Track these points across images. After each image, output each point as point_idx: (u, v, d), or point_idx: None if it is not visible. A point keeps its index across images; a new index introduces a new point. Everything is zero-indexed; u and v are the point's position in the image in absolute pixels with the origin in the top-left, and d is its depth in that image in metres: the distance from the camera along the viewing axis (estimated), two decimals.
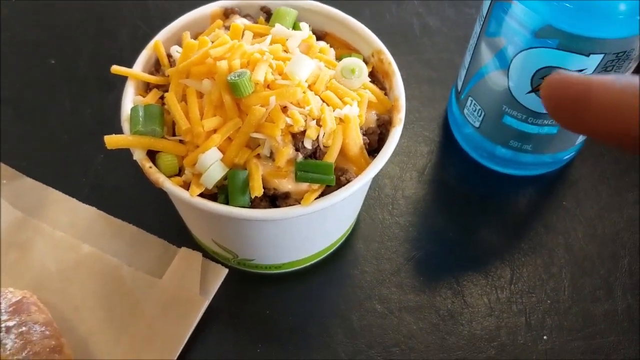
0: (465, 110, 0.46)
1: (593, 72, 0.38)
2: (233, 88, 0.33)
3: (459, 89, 0.47)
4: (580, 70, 0.37)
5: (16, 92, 0.52)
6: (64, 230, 0.44)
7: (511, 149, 0.45)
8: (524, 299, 0.43)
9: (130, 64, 0.39)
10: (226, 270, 0.42)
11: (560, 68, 0.38)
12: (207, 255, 0.42)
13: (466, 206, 0.47)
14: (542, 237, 0.46)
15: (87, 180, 0.47)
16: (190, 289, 0.41)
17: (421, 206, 0.47)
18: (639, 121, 0.14)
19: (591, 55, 0.36)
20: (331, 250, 0.44)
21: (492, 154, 0.47)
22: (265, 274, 0.43)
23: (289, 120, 0.33)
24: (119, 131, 0.35)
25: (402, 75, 0.38)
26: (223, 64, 0.34)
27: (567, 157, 0.48)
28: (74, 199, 0.45)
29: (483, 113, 0.44)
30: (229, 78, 0.33)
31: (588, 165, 0.49)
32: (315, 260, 0.43)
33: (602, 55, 0.36)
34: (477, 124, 0.46)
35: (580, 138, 0.45)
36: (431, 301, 0.43)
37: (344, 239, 0.44)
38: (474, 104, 0.45)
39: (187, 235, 0.44)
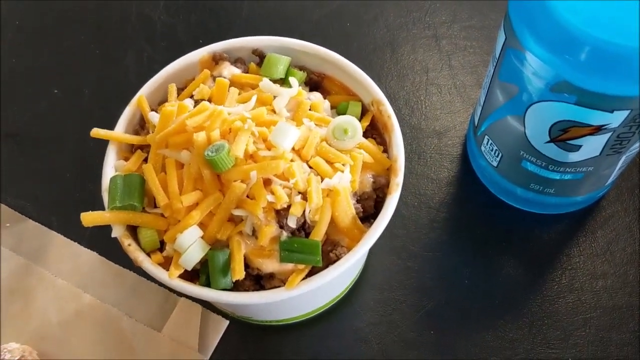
0: (483, 148, 0.42)
1: (619, 127, 0.33)
2: (211, 164, 0.31)
3: (476, 123, 0.43)
4: (603, 125, 0.33)
5: (19, 126, 0.51)
6: (65, 278, 0.43)
7: (533, 192, 0.41)
8: (542, 357, 0.40)
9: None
10: (227, 322, 0.41)
11: (580, 122, 0.33)
12: (207, 304, 0.41)
13: (484, 247, 0.44)
14: (566, 284, 0.42)
15: None
16: (189, 343, 0.40)
17: (435, 248, 0.44)
18: None
19: (615, 112, 0.32)
20: (333, 303, 0.41)
21: (512, 193, 0.43)
22: (266, 325, 0.41)
23: (270, 198, 0.31)
24: None
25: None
26: (201, 136, 0.31)
27: (599, 194, 0.43)
28: (76, 244, 0.45)
29: (500, 154, 0.40)
30: (206, 154, 0.31)
31: (622, 200, 0.45)
32: (317, 314, 0.41)
33: (628, 112, 0.32)
34: (494, 164, 0.42)
35: (612, 177, 0.41)
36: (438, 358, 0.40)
37: (348, 290, 0.42)
38: (491, 143, 0.41)
39: None
